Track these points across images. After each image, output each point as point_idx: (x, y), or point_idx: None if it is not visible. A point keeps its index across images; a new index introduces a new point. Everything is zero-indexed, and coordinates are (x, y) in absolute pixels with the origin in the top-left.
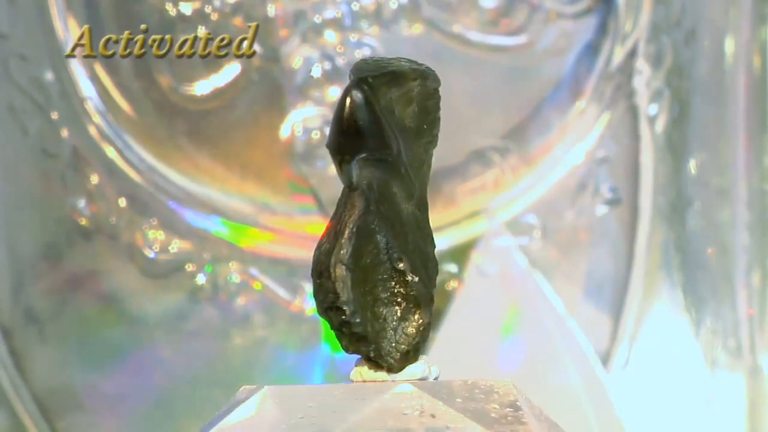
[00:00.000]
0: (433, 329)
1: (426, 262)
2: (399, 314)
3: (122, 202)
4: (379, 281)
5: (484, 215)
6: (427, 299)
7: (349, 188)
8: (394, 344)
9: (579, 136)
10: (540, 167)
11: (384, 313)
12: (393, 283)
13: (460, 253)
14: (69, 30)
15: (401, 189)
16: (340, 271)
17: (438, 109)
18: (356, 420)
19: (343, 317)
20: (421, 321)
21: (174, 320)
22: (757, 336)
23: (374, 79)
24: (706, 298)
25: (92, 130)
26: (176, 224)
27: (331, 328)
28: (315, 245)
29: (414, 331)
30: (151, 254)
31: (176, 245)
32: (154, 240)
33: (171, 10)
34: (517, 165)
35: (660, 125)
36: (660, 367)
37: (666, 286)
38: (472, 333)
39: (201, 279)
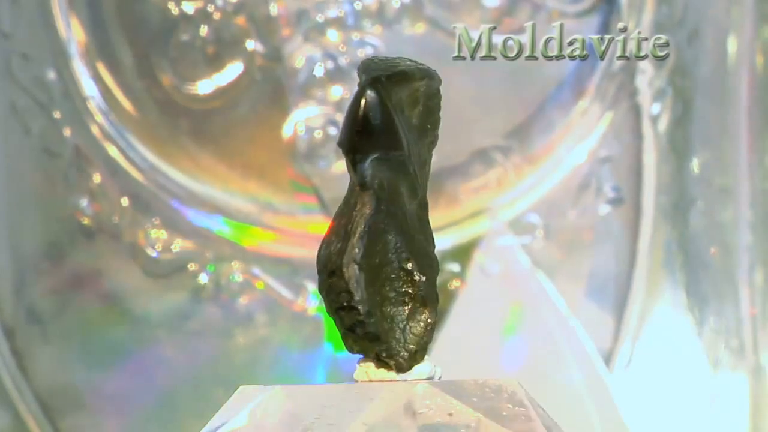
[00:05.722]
0: (436, 329)
1: (430, 262)
2: (407, 314)
3: (125, 201)
4: (387, 281)
5: (486, 214)
6: (433, 299)
7: (362, 187)
8: (402, 343)
9: (582, 136)
10: (543, 166)
11: (392, 312)
12: (401, 282)
13: (463, 253)
14: (71, 29)
15: (408, 189)
16: (353, 270)
17: (439, 108)
18: (373, 420)
19: (358, 317)
20: (428, 320)
21: (176, 320)
22: (760, 335)
23: (386, 78)
24: (709, 297)
25: (95, 130)
26: (179, 223)
27: (340, 328)
28: (318, 244)
29: (422, 330)
30: (153, 253)
31: (179, 244)
32: (157, 239)
33: (173, 9)
34: (520, 164)
35: (663, 124)
36: (663, 367)
37: (669, 286)
38: (475, 332)
39: (203, 278)
